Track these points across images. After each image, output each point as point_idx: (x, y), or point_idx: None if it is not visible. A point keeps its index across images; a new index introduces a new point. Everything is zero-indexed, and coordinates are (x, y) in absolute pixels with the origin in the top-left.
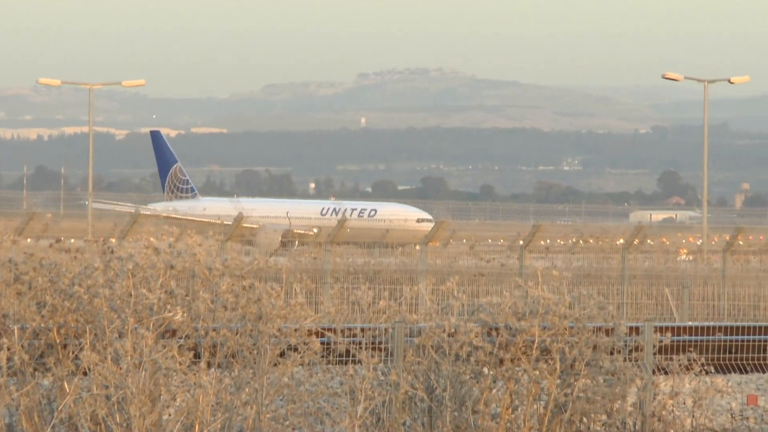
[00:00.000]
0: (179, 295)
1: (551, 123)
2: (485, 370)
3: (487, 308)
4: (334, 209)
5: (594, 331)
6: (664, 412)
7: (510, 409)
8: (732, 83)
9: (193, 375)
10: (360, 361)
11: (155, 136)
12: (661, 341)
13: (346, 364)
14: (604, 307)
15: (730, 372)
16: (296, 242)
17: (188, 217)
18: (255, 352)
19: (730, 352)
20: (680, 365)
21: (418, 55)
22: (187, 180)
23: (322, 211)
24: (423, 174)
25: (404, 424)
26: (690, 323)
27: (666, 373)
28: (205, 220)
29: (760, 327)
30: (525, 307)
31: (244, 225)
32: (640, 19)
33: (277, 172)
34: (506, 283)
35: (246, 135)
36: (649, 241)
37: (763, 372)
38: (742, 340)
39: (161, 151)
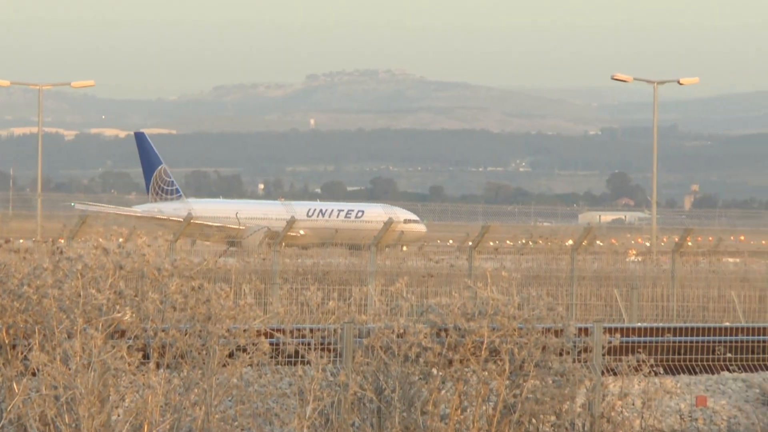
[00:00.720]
0: (128, 296)
1: (500, 124)
2: (434, 370)
3: (436, 309)
4: (321, 211)
5: (543, 332)
6: (613, 413)
7: (459, 410)
8: (681, 84)
9: (142, 375)
10: (309, 362)
11: (140, 137)
12: (610, 342)
13: (295, 364)
14: (553, 308)
15: (679, 373)
16: (283, 244)
17: (174, 219)
18: (204, 352)
19: (679, 353)
20: (629, 366)
21: (367, 56)
22: (172, 181)
23: (308, 213)
24: (372, 175)
25: (353, 424)
26: (639, 324)
27: (615, 374)
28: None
29: (708, 328)
30: (474, 308)
31: (233, 226)
32: (590, 20)
33: (226, 173)
34: (455, 284)
35: (195, 136)
36: (598, 242)
37: (712, 373)
38: (691, 341)
39: (145, 153)
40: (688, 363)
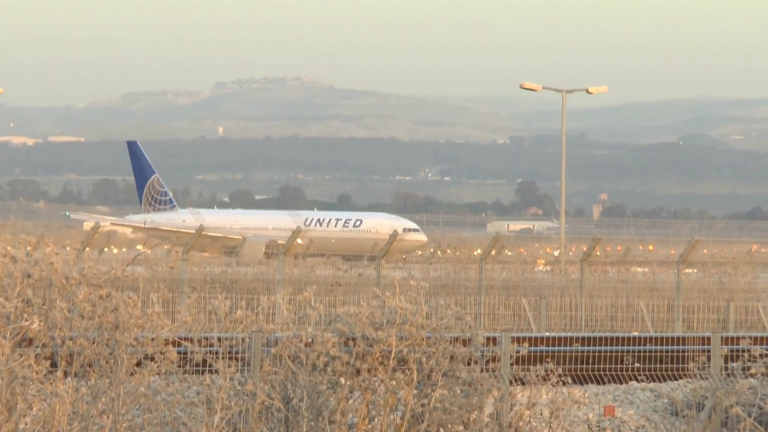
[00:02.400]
0: (36, 304)
1: (409, 133)
2: (342, 380)
3: (344, 318)
4: (319, 220)
5: (451, 341)
6: (521, 423)
7: (367, 420)
8: (590, 93)
9: (49, 384)
10: (217, 371)
11: (132, 146)
12: (518, 352)
13: (202, 373)
14: (461, 317)
15: (587, 383)
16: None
17: (169, 229)
18: (112, 361)
19: (588, 363)
20: (537, 376)
21: (275, 64)
22: (165, 191)
23: (305, 222)
24: (280, 183)
25: None
26: (547, 334)
27: (523, 383)
28: (186, 231)
29: (617, 338)
30: (382, 317)
31: (234, 237)
32: (498, 29)
33: (134, 181)
34: (363, 293)
35: (103, 144)
36: (506, 251)
37: (621, 383)
38: (600, 351)
39: (138, 163)
40: (596, 373)
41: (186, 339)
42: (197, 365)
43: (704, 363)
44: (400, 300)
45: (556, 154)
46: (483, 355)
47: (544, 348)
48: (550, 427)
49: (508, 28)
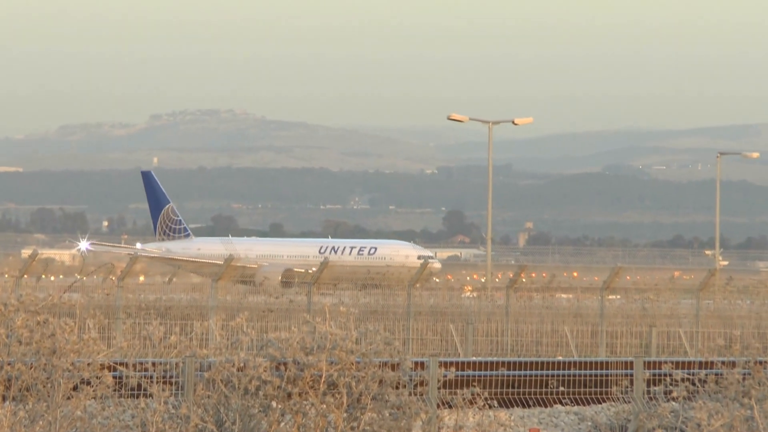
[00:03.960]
0: None
1: (339, 163)
2: (274, 403)
3: (275, 343)
4: (333, 248)
5: (380, 365)
6: None
7: None
8: (516, 124)
9: None
10: (151, 395)
11: (147, 176)
12: (445, 376)
13: (137, 397)
14: (390, 342)
15: (513, 406)
16: (295, 281)
17: (184, 258)
18: (49, 385)
19: (513, 387)
20: (464, 399)
21: (209, 96)
22: (180, 220)
23: (320, 250)
24: (213, 212)
25: None
26: (474, 358)
27: (450, 407)
28: (201, 260)
29: (542, 362)
30: (313, 342)
31: (242, 265)
32: (426, 60)
33: (71, 210)
34: (295, 318)
35: (41, 174)
36: (434, 278)
37: (545, 406)
38: (525, 375)
39: (153, 192)
40: (521, 396)
41: (121, 364)
42: (132, 389)
43: (627, 387)
44: (330, 325)
45: (483, 184)
46: (411, 379)
47: (470, 372)
48: None
49: (436, 60)
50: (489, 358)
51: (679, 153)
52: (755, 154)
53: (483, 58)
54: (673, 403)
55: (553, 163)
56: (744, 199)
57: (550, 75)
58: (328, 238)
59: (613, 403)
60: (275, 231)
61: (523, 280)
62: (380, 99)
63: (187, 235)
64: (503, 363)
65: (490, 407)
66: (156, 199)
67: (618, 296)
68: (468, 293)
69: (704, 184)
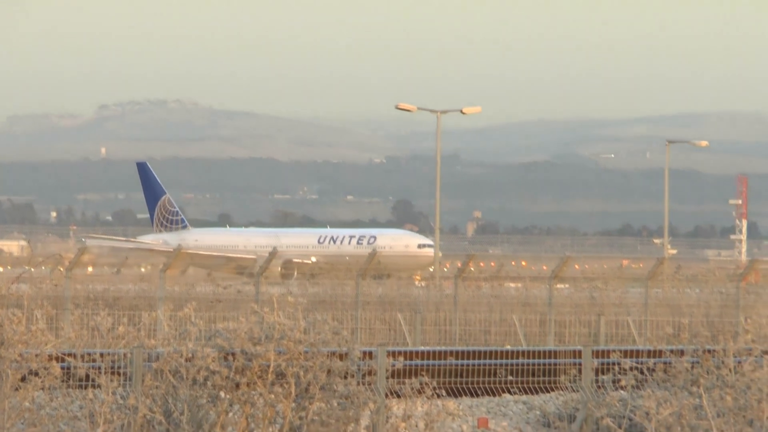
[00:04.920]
0: None
1: (287, 152)
2: (222, 394)
3: (223, 334)
4: (332, 237)
5: (328, 355)
6: None
7: None
8: (464, 114)
9: None
10: (100, 386)
11: (142, 167)
12: (393, 365)
13: (86, 388)
14: (338, 332)
15: (461, 395)
16: (295, 271)
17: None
18: None
19: (462, 376)
20: (412, 389)
21: (157, 86)
22: (177, 211)
23: (319, 240)
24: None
25: None
26: (422, 348)
27: (399, 396)
28: (199, 252)
29: (490, 351)
30: (261, 332)
31: (247, 257)
32: (375, 49)
33: (19, 201)
34: (243, 309)
35: None
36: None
37: (494, 395)
38: (474, 365)
39: (149, 183)
40: (470, 385)
41: (69, 355)
42: (80, 380)
43: (575, 376)
44: (278, 316)
45: (431, 173)
46: (359, 369)
47: (419, 362)
48: None
49: (384, 50)
50: (437, 348)
51: (627, 141)
52: (704, 143)
53: (431, 47)
54: (622, 391)
55: (502, 153)
56: (692, 188)
57: (499, 64)
58: (278, 228)
59: (561, 392)
60: (224, 221)
61: (472, 269)
62: (329, 88)
63: (185, 226)
64: (451, 352)
65: (438, 396)
66: (152, 190)
67: (566, 285)
68: (417, 282)
69: (653, 173)
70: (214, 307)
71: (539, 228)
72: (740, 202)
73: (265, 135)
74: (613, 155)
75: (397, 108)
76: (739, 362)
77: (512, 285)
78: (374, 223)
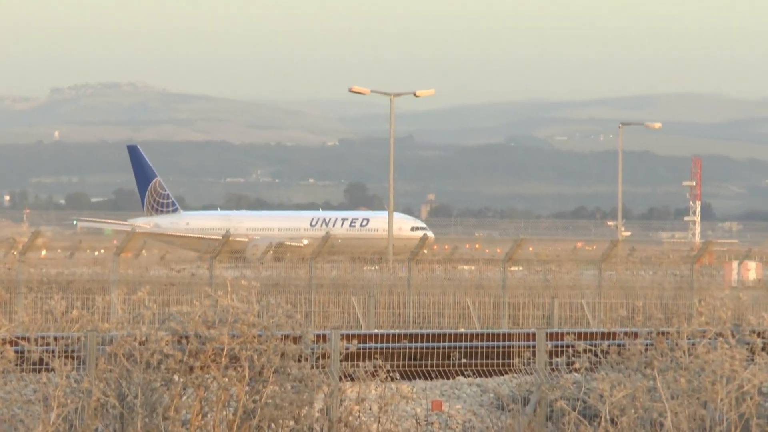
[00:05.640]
0: None
1: (240, 136)
2: (176, 377)
3: (177, 317)
4: (324, 220)
5: (282, 338)
6: (350, 418)
7: (200, 416)
8: (417, 96)
9: None
10: (53, 370)
11: (132, 150)
12: (347, 349)
13: (39, 372)
14: (291, 315)
15: (415, 378)
16: (287, 255)
17: (172, 233)
18: None
19: (416, 359)
20: (366, 372)
21: (110, 69)
22: (168, 194)
23: (311, 222)
24: (116, 186)
25: (96, 430)
26: (376, 331)
27: (352, 379)
28: (191, 235)
29: (444, 334)
30: (214, 316)
31: (239, 239)
32: (328, 31)
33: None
34: (196, 292)
35: None
36: (424, 250)
37: (447, 378)
38: (427, 347)
39: (139, 166)
40: (424, 368)
41: (23, 338)
42: (34, 364)
43: (529, 358)
44: (231, 299)
45: (385, 156)
46: (313, 352)
47: (373, 345)
48: (379, 421)
49: (337, 32)
50: (391, 331)
51: (581, 123)
52: (657, 125)
53: (384, 30)
54: (576, 374)
55: (455, 135)
56: (646, 170)
57: (452, 46)
58: (230, 211)
59: (515, 374)
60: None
61: (425, 252)
62: (282, 71)
63: (175, 210)
64: (405, 335)
65: (392, 380)
66: (143, 174)
67: (520, 268)
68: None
69: (607, 155)
70: (167, 291)
71: (493, 210)
72: (694, 183)
73: (219, 118)
74: (567, 137)
75: (351, 91)
76: (693, 344)
77: (466, 268)
78: (327, 206)
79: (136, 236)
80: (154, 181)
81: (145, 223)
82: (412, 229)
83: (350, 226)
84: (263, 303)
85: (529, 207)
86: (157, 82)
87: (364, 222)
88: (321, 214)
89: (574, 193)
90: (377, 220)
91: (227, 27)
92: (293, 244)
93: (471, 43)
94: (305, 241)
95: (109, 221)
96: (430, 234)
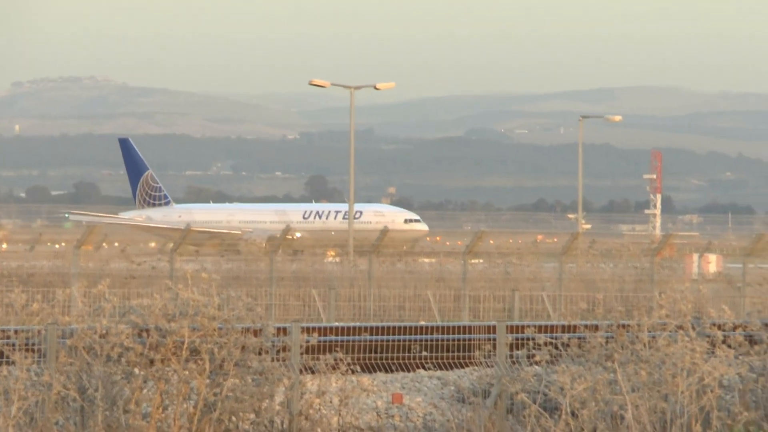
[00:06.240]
0: None
1: (201, 129)
2: (136, 370)
3: (138, 310)
4: (318, 213)
5: (243, 332)
6: (311, 411)
7: (161, 409)
8: (378, 89)
9: None
10: (14, 363)
11: (124, 143)
12: (308, 341)
13: (0, 365)
14: (252, 308)
15: (376, 371)
16: (280, 248)
17: (165, 226)
18: None
19: (376, 352)
20: (327, 365)
21: (71, 63)
22: (160, 187)
23: (304, 215)
24: (76, 179)
25: (57, 423)
26: (336, 324)
27: (313, 372)
28: (183, 228)
29: (404, 327)
30: (175, 309)
31: (233, 232)
32: (289, 27)
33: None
34: (157, 285)
35: None
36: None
37: (408, 371)
38: (388, 340)
39: (131, 159)
40: (384, 361)
41: None
42: None
43: (490, 351)
44: (192, 292)
45: (345, 149)
46: (274, 345)
47: (333, 338)
48: (340, 414)
49: (297, 27)
50: (352, 324)
51: (541, 117)
52: (617, 118)
53: (345, 24)
54: (536, 366)
55: (416, 128)
56: (607, 163)
57: (412, 40)
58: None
59: (476, 367)
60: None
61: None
62: (242, 65)
63: (168, 203)
64: (366, 328)
65: (353, 372)
66: (135, 167)
67: (481, 260)
68: (331, 258)
69: (567, 148)
70: (128, 284)
71: (454, 203)
72: (654, 176)
73: (179, 112)
74: (527, 131)
75: (311, 84)
76: (654, 337)
77: (427, 260)
78: (288, 199)
79: (96, 229)
80: (146, 174)
81: (137, 216)
82: (406, 221)
83: (344, 218)
84: (224, 296)
85: (489, 200)
86: (118, 76)
87: (357, 215)
88: (314, 206)
89: (535, 186)
90: (370, 213)
91: (188, 21)
92: (287, 236)
93: (432, 36)
94: (298, 234)
95: (101, 215)
96: (424, 227)
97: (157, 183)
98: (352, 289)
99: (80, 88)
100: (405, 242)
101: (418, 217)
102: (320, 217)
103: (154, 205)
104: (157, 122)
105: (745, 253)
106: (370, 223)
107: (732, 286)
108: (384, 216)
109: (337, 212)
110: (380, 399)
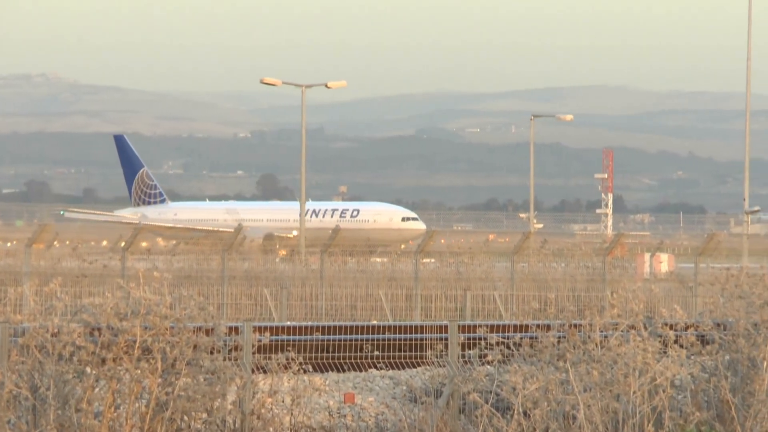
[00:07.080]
0: None
1: (152, 127)
2: (88, 369)
3: (89, 309)
4: (315, 211)
5: (194, 331)
6: (263, 410)
7: (113, 408)
8: (329, 88)
9: None
10: None
11: (119, 140)
12: (260, 341)
13: None
14: (204, 307)
15: (328, 371)
16: (277, 245)
17: (160, 224)
18: None
19: (328, 351)
20: (279, 364)
21: (21, 60)
22: (155, 185)
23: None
24: (27, 178)
25: (9, 422)
26: (288, 323)
27: (265, 371)
28: (178, 226)
29: (356, 326)
30: (127, 307)
31: (228, 230)
32: (241, 24)
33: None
34: (109, 284)
35: None
36: (410, 242)
37: (360, 371)
38: (340, 340)
39: (126, 156)
40: (336, 361)
41: None
42: None
43: (442, 351)
44: (144, 291)
45: (296, 147)
46: (226, 344)
47: (285, 337)
48: (292, 414)
49: (247, 27)
50: (304, 323)
51: (492, 116)
52: (569, 117)
53: (296, 22)
54: (488, 366)
55: (367, 127)
56: (558, 162)
57: (363, 38)
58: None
59: (428, 367)
60: (88, 196)
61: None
62: (193, 63)
63: (163, 200)
64: (318, 327)
65: (305, 372)
66: (130, 164)
67: (433, 260)
68: (282, 257)
69: (518, 147)
70: (80, 282)
71: (405, 202)
72: (606, 175)
73: (130, 110)
74: (478, 129)
75: (262, 82)
76: (606, 337)
77: (378, 260)
78: (240, 197)
79: (47, 227)
80: (141, 171)
81: (131, 214)
82: (404, 219)
83: (341, 216)
84: (176, 295)
85: (440, 199)
86: (68, 74)
87: (355, 213)
88: (311, 205)
89: (486, 185)
90: (368, 212)
91: (138, 19)
92: (283, 235)
93: (382, 34)
94: (295, 233)
95: (95, 212)
96: (422, 225)
97: (153, 181)
98: (304, 288)
99: (31, 86)
100: (403, 240)
101: (415, 216)
102: (317, 215)
103: (149, 203)
104: (108, 120)
105: (697, 253)
106: (368, 221)
107: (684, 286)
108: (381, 214)
109: (333, 210)
110: (332, 398)
